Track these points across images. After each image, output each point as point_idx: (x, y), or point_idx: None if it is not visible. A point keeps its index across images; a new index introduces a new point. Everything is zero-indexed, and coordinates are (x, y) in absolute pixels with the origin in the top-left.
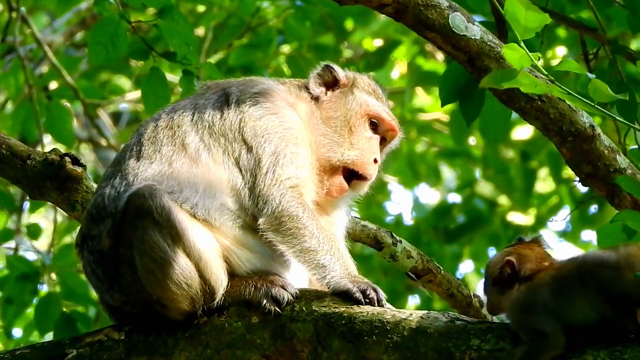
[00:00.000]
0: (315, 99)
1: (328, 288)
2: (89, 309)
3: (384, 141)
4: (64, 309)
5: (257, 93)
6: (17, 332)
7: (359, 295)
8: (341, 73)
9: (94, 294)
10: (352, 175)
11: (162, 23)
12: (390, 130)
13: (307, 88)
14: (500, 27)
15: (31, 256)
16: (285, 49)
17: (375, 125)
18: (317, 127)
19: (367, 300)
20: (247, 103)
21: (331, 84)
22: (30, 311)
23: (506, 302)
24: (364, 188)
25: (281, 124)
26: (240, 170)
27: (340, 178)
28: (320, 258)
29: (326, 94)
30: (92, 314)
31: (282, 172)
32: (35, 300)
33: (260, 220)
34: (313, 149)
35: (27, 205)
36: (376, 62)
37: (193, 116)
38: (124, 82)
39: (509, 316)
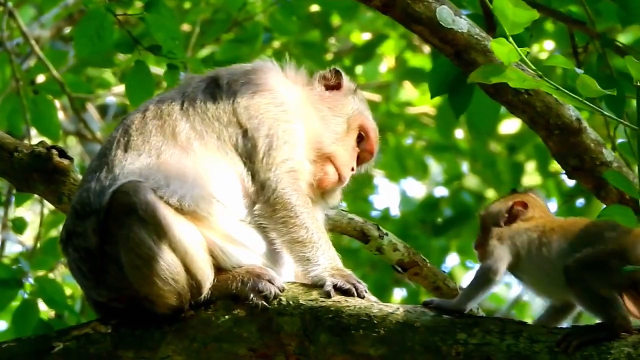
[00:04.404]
0: (310, 84)
1: (310, 281)
2: (72, 308)
3: (357, 160)
4: (44, 316)
5: (248, 71)
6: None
7: (330, 289)
8: (346, 80)
9: (76, 292)
10: None
11: (149, 16)
12: (369, 153)
13: (302, 73)
14: (489, 20)
15: (17, 249)
16: (276, 44)
17: (360, 139)
18: (314, 111)
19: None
20: (238, 82)
21: (332, 87)
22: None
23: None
24: (336, 193)
25: (273, 100)
26: (239, 155)
27: (333, 168)
28: (307, 251)
29: (325, 91)
30: (77, 309)
31: (277, 155)
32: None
33: (256, 207)
34: (307, 130)
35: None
36: (364, 55)
37: (183, 104)
38: (108, 76)
39: (504, 242)
